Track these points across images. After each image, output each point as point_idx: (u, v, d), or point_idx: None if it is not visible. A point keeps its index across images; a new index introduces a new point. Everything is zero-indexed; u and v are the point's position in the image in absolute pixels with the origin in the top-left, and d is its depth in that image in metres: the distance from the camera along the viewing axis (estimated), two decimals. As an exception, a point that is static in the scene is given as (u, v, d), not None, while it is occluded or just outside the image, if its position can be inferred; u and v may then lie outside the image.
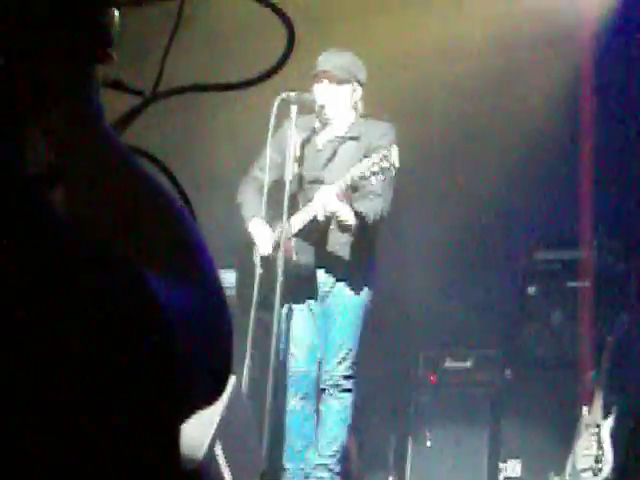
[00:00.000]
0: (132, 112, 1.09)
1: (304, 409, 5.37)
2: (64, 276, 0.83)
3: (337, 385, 5.34)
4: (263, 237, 5.43)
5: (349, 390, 5.37)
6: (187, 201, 1.11)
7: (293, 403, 5.36)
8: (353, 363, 5.37)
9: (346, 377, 5.35)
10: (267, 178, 5.33)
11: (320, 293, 5.42)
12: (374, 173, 5.03)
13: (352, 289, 5.38)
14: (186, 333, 0.92)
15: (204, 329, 0.96)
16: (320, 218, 5.23)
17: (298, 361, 5.35)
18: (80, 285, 0.83)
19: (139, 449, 0.89)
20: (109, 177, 0.98)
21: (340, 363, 5.34)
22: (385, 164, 4.99)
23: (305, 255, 5.35)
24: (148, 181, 1.00)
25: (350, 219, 5.22)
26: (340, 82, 5.43)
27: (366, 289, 5.42)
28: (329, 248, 5.38)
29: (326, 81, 5.43)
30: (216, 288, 1.01)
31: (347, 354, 5.35)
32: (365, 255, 5.45)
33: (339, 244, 5.38)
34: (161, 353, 0.88)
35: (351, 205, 5.20)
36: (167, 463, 0.93)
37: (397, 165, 5.01)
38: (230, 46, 7.44)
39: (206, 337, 0.97)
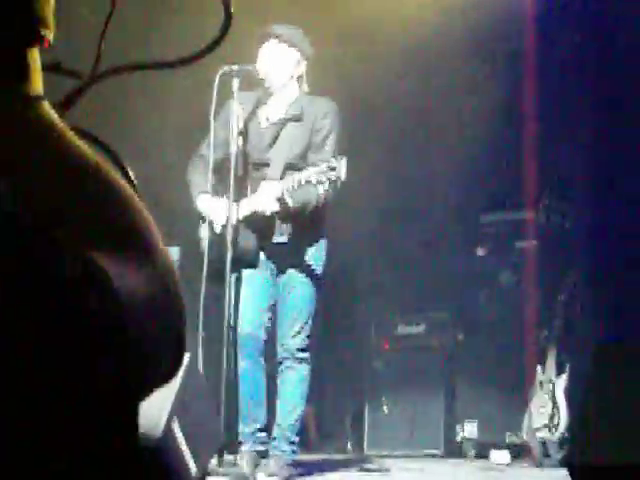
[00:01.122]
0: (72, 94, 1.08)
1: (251, 371, 5.36)
2: (11, 262, 0.82)
3: (293, 357, 5.35)
4: (215, 209, 5.41)
5: (305, 361, 5.39)
6: (131, 181, 1.10)
7: (241, 365, 5.35)
8: (307, 336, 5.39)
9: (301, 349, 5.36)
10: (212, 154, 5.30)
11: (271, 267, 5.42)
12: (320, 182, 5.00)
13: (302, 270, 5.38)
14: (139, 314, 0.91)
15: (156, 309, 0.96)
16: (266, 214, 5.23)
17: (244, 323, 5.34)
18: (27, 271, 0.82)
19: (98, 432, 0.89)
20: (51, 160, 0.97)
21: (295, 336, 5.35)
22: (332, 176, 4.96)
23: (247, 241, 5.34)
24: (92, 163, 0.99)
25: (288, 216, 5.25)
26: (286, 43, 5.39)
27: (317, 266, 5.42)
28: (275, 239, 5.37)
29: (272, 40, 5.39)
30: (167, 268, 1.00)
31: (302, 326, 5.36)
32: (313, 233, 5.44)
33: (285, 234, 5.37)
34: (114, 335, 0.87)
35: (290, 204, 5.18)
36: (127, 443, 0.93)
37: (343, 178, 4.96)
38: (167, 22, 7.39)
39: (159, 317, 0.96)
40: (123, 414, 0.91)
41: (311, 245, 5.43)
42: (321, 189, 5.04)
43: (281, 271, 5.40)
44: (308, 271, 5.40)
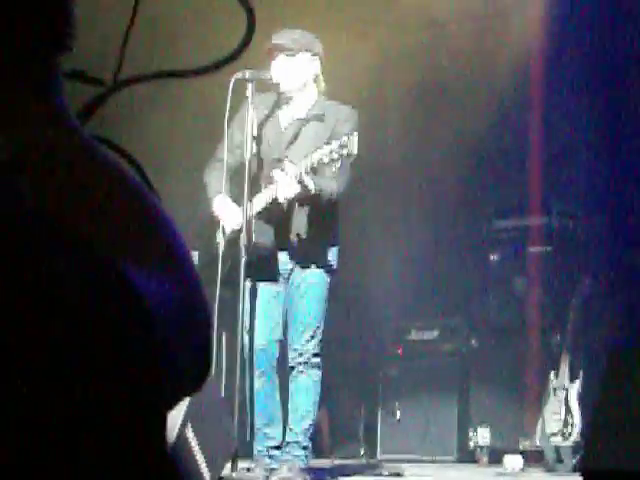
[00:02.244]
0: (94, 101, 1.08)
1: (264, 386, 5.38)
2: (38, 267, 0.82)
3: (306, 363, 5.35)
4: (229, 212, 5.42)
5: (318, 367, 5.39)
6: (152, 188, 1.10)
7: (256, 384, 5.37)
8: (320, 340, 5.39)
9: (314, 354, 5.36)
10: (225, 158, 5.32)
11: (282, 273, 5.42)
12: (333, 160, 5.01)
13: (315, 269, 5.38)
14: (166, 322, 0.91)
15: (183, 317, 0.96)
16: (281, 200, 5.23)
17: (257, 337, 5.36)
18: (54, 278, 0.83)
19: (125, 442, 0.89)
20: (74, 168, 0.97)
21: (308, 341, 5.35)
22: (344, 152, 4.97)
23: (264, 237, 5.35)
24: (114, 170, 0.99)
25: (308, 199, 5.24)
26: (293, 53, 5.41)
27: (329, 267, 5.43)
28: (292, 231, 5.37)
29: (281, 55, 5.41)
30: (192, 275, 1.00)
31: (315, 332, 5.36)
32: (327, 235, 5.45)
33: (301, 227, 5.38)
34: (143, 343, 0.87)
35: (310, 186, 5.18)
36: (154, 453, 0.93)
37: (355, 153, 4.98)
38: (187, 30, 7.42)
39: (186, 325, 0.96)
40: (152, 423, 0.91)
41: (324, 249, 5.43)
42: (333, 168, 5.05)
43: (293, 275, 5.40)
44: (320, 275, 5.39)
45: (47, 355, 0.80)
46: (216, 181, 5.48)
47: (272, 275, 5.41)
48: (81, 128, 0.99)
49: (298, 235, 5.37)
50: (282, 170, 5.18)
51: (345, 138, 4.99)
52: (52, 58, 0.97)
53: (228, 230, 5.44)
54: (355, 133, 5.02)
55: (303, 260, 5.38)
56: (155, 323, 0.88)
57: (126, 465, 0.86)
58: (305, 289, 5.37)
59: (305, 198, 5.24)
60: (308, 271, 5.37)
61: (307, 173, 5.12)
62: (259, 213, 5.34)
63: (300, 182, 5.13)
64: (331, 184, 5.26)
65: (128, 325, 0.85)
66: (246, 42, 1.09)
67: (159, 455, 0.92)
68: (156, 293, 0.91)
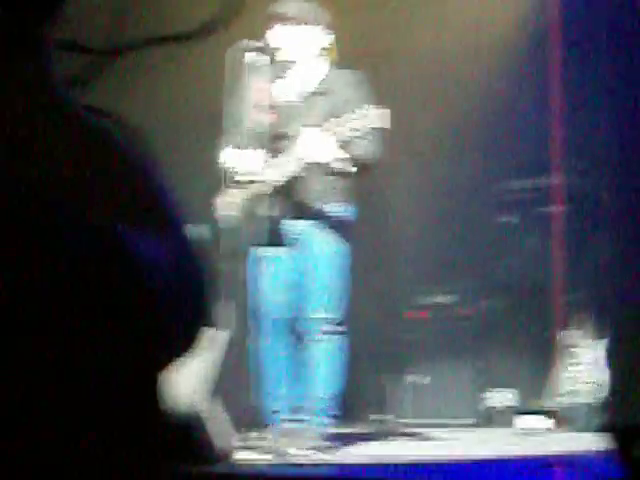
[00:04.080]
0: (87, 71, 1.06)
1: (272, 350, 5.36)
2: (40, 234, 0.83)
3: (330, 330, 5.31)
4: (246, 157, 5.34)
5: (342, 333, 5.35)
6: (153, 156, 1.09)
7: (266, 344, 5.36)
8: (339, 308, 5.35)
9: (338, 322, 5.33)
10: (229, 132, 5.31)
11: (291, 241, 5.37)
12: (356, 131, 4.92)
13: (325, 234, 5.33)
14: (161, 281, 0.93)
15: (177, 280, 0.97)
16: (311, 163, 5.15)
17: (266, 304, 5.34)
18: (51, 241, 0.83)
19: (119, 400, 0.90)
20: (68, 135, 0.97)
21: (332, 307, 5.31)
22: (367, 124, 4.89)
23: (277, 208, 5.31)
24: (108, 137, 0.99)
25: (347, 165, 5.16)
26: (296, 23, 5.33)
27: (341, 233, 5.37)
28: (303, 197, 5.32)
29: (281, 25, 5.32)
30: (187, 238, 1.01)
31: (330, 300, 5.32)
32: (338, 198, 5.40)
33: (314, 191, 5.33)
34: (138, 302, 0.89)
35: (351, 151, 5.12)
36: (152, 411, 0.95)
37: (379, 125, 4.91)
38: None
39: (181, 284, 0.98)
40: (148, 381, 0.93)
41: (339, 212, 5.38)
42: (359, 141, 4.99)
43: (311, 241, 5.35)
44: (329, 243, 5.34)
45: (46, 318, 0.81)
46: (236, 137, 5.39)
47: (287, 241, 5.38)
48: (71, 96, 0.98)
49: (309, 202, 5.33)
50: (318, 134, 5.05)
51: (364, 111, 4.90)
52: (40, 27, 0.96)
53: (245, 178, 5.34)
54: (371, 107, 4.91)
55: (317, 226, 5.34)
56: (150, 282, 0.89)
57: (122, 425, 0.88)
58: (320, 256, 5.33)
59: (344, 164, 5.16)
60: (322, 238, 5.33)
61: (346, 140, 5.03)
62: (273, 184, 5.29)
63: (343, 146, 5.04)
64: (366, 146, 5.15)
65: (123, 286, 0.87)
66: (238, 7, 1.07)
67: (157, 414, 0.94)
68: (150, 256, 0.92)
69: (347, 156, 5.10)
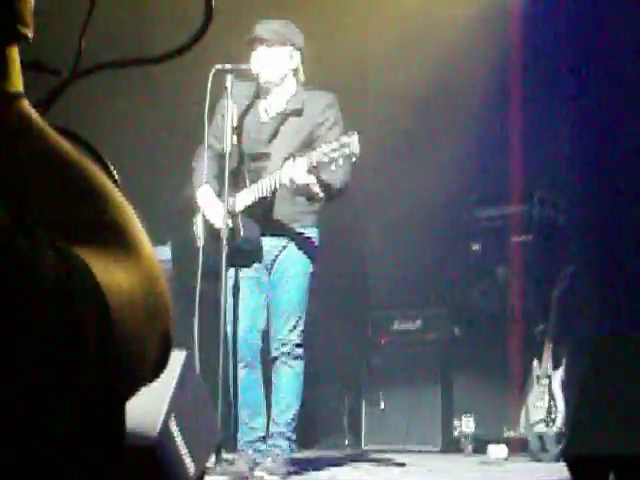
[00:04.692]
0: (53, 92, 1.07)
1: (248, 378, 5.38)
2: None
3: (289, 353, 5.35)
4: (214, 208, 5.41)
5: (300, 357, 5.39)
6: (113, 176, 1.09)
7: (240, 374, 5.38)
8: (302, 331, 5.39)
9: (297, 345, 5.37)
10: (206, 148, 5.34)
11: (266, 262, 5.41)
12: (333, 160, 4.98)
13: (297, 256, 5.38)
14: (122, 307, 0.91)
15: (141, 304, 0.95)
16: (276, 190, 5.22)
17: (240, 328, 5.36)
18: (3, 268, 0.82)
19: (83, 432, 0.88)
20: (30, 156, 0.96)
21: (291, 331, 5.35)
22: (345, 151, 4.96)
23: (251, 231, 5.34)
24: (72, 159, 0.98)
25: (319, 191, 5.21)
26: (274, 45, 5.39)
27: (311, 255, 5.43)
28: (275, 216, 5.37)
29: (261, 47, 5.39)
30: (151, 262, 0.99)
31: (297, 322, 5.36)
32: (309, 221, 5.46)
33: (286, 210, 5.37)
34: (100, 333, 0.87)
35: (318, 177, 5.17)
36: (115, 443, 0.93)
37: (357, 152, 4.97)
38: (154, 19, 7.40)
39: (145, 312, 0.96)
40: (111, 413, 0.91)
41: (307, 234, 5.43)
42: (333, 167, 5.03)
43: (276, 264, 5.40)
44: (303, 264, 5.39)
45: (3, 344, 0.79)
46: (205, 166, 5.46)
47: (257, 260, 5.41)
48: (38, 119, 0.98)
49: (281, 221, 5.37)
50: (293, 160, 5.14)
51: (345, 138, 4.96)
52: (4, 48, 0.96)
53: (217, 224, 5.41)
54: (355, 133, 4.99)
55: (286, 245, 5.38)
56: (113, 310, 0.87)
57: (87, 454, 0.86)
58: (287, 278, 5.37)
59: (310, 190, 5.21)
60: (291, 260, 5.37)
61: (315, 166, 5.08)
62: (247, 207, 5.33)
63: (311, 174, 5.09)
64: (338, 176, 5.23)
65: (85, 312, 0.84)
66: (204, 28, 1.08)
67: (120, 443, 0.92)
68: (111, 277, 0.90)
69: (320, 181, 5.15)
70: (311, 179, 5.10)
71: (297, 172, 5.07)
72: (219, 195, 5.41)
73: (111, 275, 0.90)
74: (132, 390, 0.97)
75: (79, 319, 0.84)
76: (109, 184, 1.00)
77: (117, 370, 0.90)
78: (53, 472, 0.84)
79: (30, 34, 0.98)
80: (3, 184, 0.92)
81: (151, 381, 1.02)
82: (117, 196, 0.99)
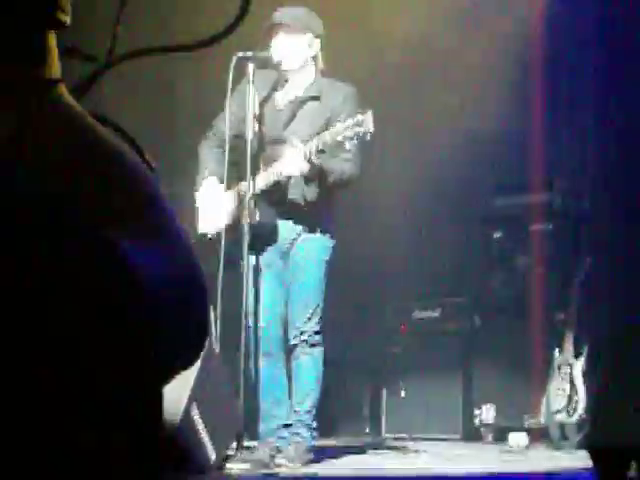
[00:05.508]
0: (89, 78, 1.07)
1: (269, 367, 5.39)
2: (29, 244, 0.82)
3: (307, 341, 5.35)
4: (209, 212, 5.44)
5: (320, 344, 5.39)
6: (149, 164, 1.10)
7: (262, 363, 5.38)
8: (320, 318, 5.38)
9: (316, 332, 5.37)
10: (228, 131, 5.33)
11: (283, 249, 5.41)
12: (349, 138, 4.99)
13: (313, 242, 5.38)
14: (160, 295, 0.91)
15: (178, 290, 0.96)
16: (288, 175, 5.23)
17: (261, 317, 5.37)
18: (44, 251, 0.82)
19: (122, 416, 0.89)
20: (69, 142, 0.96)
21: (309, 319, 5.34)
22: (360, 129, 4.95)
23: (267, 216, 5.35)
24: (111, 145, 0.99)
25: (316, 177, 5.23)
26: (294, 32, 5.38)
27: (327, 242, 5.43)
28: (290, 196, 5.37)
29: (281, 33, 5.39)
30: (187, 251, 1.00)
31: (315, 309, 5.35)
32: (324, 208, 5.44)
33: (299, 194, 5.37)
34: (138, 316, 0.87)
35: (319, 164, 5.18)
36: (152, 424, 0.94)
37: (372, 130, 4.96)
38: (183, 7, 7.40)
39: (181, 296, 0.96)
40: (148, 395, 0.91)
41: (322, 220, 5.42)
42: (347, 145, 5.02)
43: (293, 252, 5.39)
44: (320, 252, 5.39)
45: (45, 330, 0.80)
46: (210, 153, 5.49)
47: (273, 243, 5.42)
48: (76, 105, 0.99)
49: (295, 200, 5.36)
50: (292, 147, 5.16)
51: (360, 116, 4.97)
52: (43, 34, 0.97)
53: (204, 229, 5.45)
54: (369, 111, 4.99)
55: (303, 230, 5.38)
56: (148, 296, 0.88)
57: (122, 438, 0.87)
58: (304, 266, 5.37)
59: (313, 177, 5.23)
60: (307, 247, 5.37)
61: (318, 152, 5.10)
62: (262, 192, 5.34)
63: (309, 161, 5.12)
64: (342, 165, 5.25)
65: (121, 298, 0.85)
66: (241, 16, 1.09)
67: (156, 427, 0.93)
68: (150, 266, 0.91)
69: (318, 169, 5.17)
70: (306, 168, 5.11)
71: (294, 161, 5.10)
72: (222, 182, 5.41)
73: (147, 259, 0.91)
74: (168, 374, 0.98)
75: (113, 300, 0.85)
76: (147, 172, 1.00)
77: (153, 352, 0.91)
78: (99, 449, 0.85)
79: (68, 20, 0.99)
80: (43, 170, 0.92)
81: (187, 367, 1.03)
82: (155, 184, 1.00)
